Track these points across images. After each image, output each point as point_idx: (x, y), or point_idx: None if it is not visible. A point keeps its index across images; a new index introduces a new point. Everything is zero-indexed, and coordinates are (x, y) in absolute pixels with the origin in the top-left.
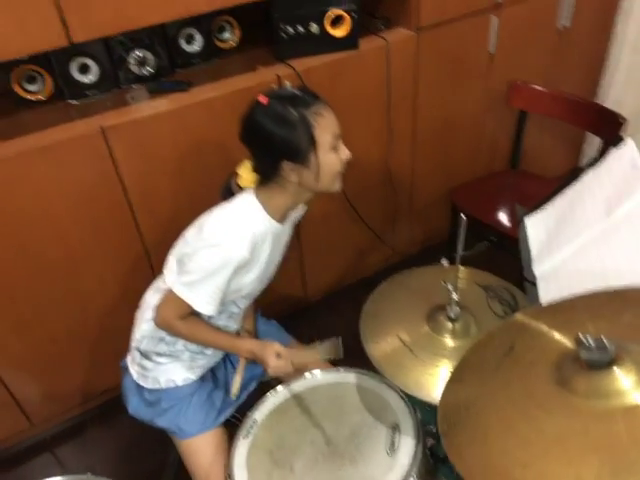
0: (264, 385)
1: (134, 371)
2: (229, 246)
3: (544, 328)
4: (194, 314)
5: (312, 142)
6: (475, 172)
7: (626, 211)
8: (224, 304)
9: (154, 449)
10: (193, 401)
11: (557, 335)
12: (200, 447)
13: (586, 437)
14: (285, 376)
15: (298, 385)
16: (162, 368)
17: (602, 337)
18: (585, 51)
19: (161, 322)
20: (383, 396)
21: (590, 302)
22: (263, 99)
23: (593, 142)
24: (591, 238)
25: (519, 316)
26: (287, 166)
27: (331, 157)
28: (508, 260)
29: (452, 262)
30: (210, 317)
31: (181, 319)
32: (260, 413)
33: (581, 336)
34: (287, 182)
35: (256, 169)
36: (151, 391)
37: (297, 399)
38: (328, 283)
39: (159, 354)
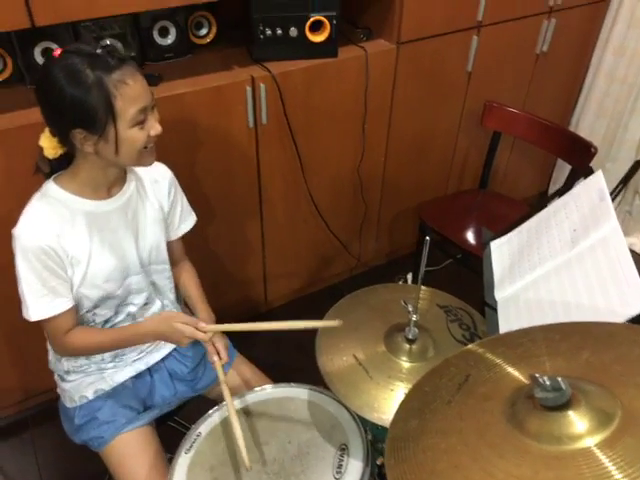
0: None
1: (61, 395)
2: (23, 237)
3: (499, 361)
4: (77, 324)
5: (110, 113)
6: (445, 189)
7: (591, 243)
8: (106, 303)
9: (97, 454)
10: (105, 409)
11: (512, 369)
12: (120, 450)
13: None
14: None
15: (247, 398)
16: (74, 385)
17: (559, 378)
18: (561, 77)
19: (60, 351)
20: (334, 414)
21: (548, 335)
22: (56, 51)
23: (563, 168)
24: (554, 267)
25: (473, 346)
26: (79, 134)
27: (134, 132)
28: (472, 278)
29: (416, 278)
30: (106, 323)
31: (67, 334)
32: (205, 426)
33: (537, 375)
34: (86, 153)
35: (53, 133)
36: (71, 410)
37: (245, 413)
38: (290, 289)
39: (67, 372)
